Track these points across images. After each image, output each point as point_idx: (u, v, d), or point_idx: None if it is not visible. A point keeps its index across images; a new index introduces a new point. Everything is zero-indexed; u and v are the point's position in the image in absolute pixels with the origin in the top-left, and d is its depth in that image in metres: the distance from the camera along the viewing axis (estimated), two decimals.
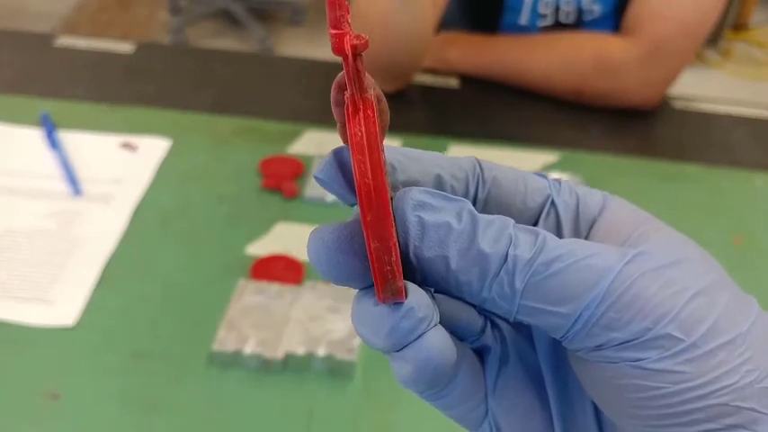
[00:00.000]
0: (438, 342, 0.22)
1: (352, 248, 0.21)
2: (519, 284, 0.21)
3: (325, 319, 0.59)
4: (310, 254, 0.22)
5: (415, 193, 0.22)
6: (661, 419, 0.21)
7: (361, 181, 0.20)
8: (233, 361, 0.56)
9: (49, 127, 0.79)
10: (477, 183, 0.24)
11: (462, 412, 0.25)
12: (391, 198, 0.22)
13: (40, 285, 0.62)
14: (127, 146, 0.79)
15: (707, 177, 0.82)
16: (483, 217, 0.22)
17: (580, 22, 0.92)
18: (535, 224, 0.25)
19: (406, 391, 0.56)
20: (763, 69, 2.60)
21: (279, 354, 0.56)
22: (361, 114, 0.20)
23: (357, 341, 0.57)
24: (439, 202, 0.22)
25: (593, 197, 0.25)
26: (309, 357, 0.56)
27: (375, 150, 0.20)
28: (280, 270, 0.64)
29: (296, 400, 0.55)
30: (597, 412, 0.24)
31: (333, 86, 0.21)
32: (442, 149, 0.81)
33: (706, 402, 0.20)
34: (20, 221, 0.68)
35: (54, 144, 0.77)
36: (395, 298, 0.21)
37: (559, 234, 0.24)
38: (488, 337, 0.26)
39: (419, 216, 0.22)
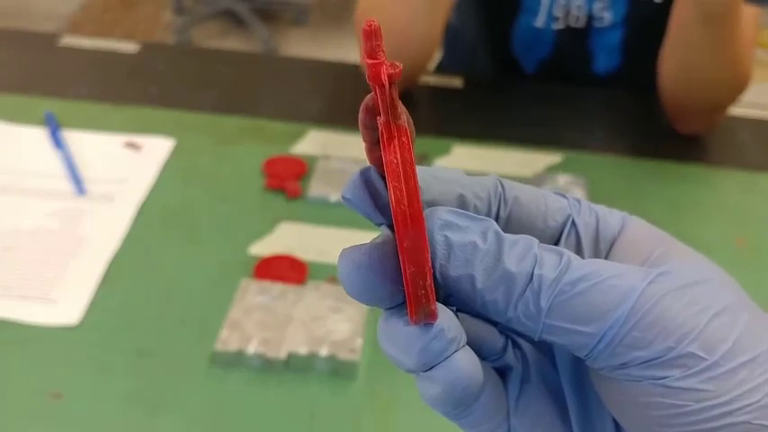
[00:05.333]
0: (466, 362, 0.22)
1: (383, 270, 0.22)
2: (544, 304, 0.21)
3: (328, 319, 0.59)
4: (341, 275, 0.22)
5: (442, 213, 0.22)
6: None
7: (398, 208, 0.20)
8: (236, 360, 0.56)
9: (54, 126, 0.80)
10: (500, 202, 0.25)
11: (485, 431, 0.25)
12: None
13: (44, 284, 0.62)
14: (131, 145, 0.79)
15: (710, 178, 0.82)
16: (508, 236, 0.22)
17: (590, 28, 0.92)
18: (556, 244, 0.25)
19: (408, 392, 0.56)
20: None
21: (281, 354, 0.56)
22: (396, 142, 0.20)
23: (360, 341, 0.57)
24: (464, 221, 0.22)
25: (612, 217, 0.25)
26: (312, 357, 0.56)
27: (411, 177, 0.20)
28: (283, 270, 0.64)
29: (298, 400, 0.55)
30: (618, 431, 0.25)
31: (361, 109, 0.22)
32: (446, 150, 0.81)
33: (729, 420, 0.20)
34: (24, 220, 0.68)
35: (58, 143, 0.77)
36: (427, 319, 0.21)
37: (580, 254, 0.25)
38: (510, 357, 0.26)
39: (445, 236, 0.22)
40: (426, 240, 0.21)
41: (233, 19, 2.79)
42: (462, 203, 0.24)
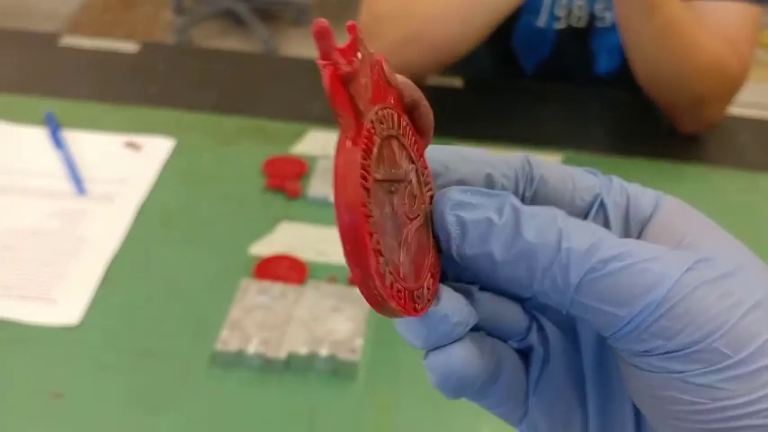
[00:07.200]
0: (462, 355, 0.22)
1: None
2: (573, 279, 0.21)
3: (328, 319, 0.59)
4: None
5: (454, 194, 0.22)
6: None
7: (338, 213, 0.20)
8: (236, 360, 0.56)
9: (54, 126, 0.79)
10: (525, 181, 0.24)
11: (504, 411, 0.25)
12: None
13: (44, 284, 0.62)
14: (131, 145, 0.79)
15: (710, 178, 0.82)
16: (527, 209, 0.21)
17: (591, 28, 0.92)
18: None
19: (408, 392, 0.56)
20: None
21: (282, 354, 0.56)
22: (346, 144, 0.20)
23: (360, 341, 0.57)
24: (478, 198, 0.22)
25: (645, 197, 0.24)
26: (312, 357, 0.56)
27: (353, 184, 0.20)
28: (283, 270, 0.64)
29: (298, 400, 0.55)
30: (637, 417, 0.24)
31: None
32: None
33: (749, 422, 0.20)
34: (24, 220, 0.68)
35: (58, 143, 0.77)
36: (394, 315, 0.21)
37: None
38: (533, 338, 0.25)
39: (457, 215, 0.22)
40: (368, 246, 0.20)
41: (233, 19, 2.79)
42: (490, 183, 0.23)
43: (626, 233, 0.24)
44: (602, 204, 0.24)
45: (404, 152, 0.23)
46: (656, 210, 0.24)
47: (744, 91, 0.85)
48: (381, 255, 0.20)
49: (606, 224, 0.24)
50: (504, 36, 0.95)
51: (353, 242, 0.20)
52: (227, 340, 0.57)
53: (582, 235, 0.21)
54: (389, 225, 0.21)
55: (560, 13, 0.91)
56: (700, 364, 0.20)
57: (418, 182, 0.23)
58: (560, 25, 0.91)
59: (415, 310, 0.22)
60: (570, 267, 0.21)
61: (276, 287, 0.61)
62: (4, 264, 0.64)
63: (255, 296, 0.60)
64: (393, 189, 0.22)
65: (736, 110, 0.91)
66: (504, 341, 0.25)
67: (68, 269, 0.64)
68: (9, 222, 0.68)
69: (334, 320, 0.58)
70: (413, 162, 0.23)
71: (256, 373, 0.56)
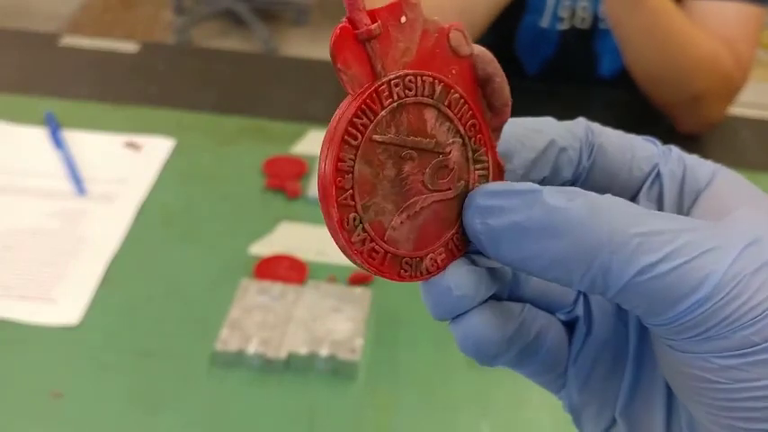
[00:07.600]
0: (479, 322, 0.22)
1: None
2: (616, 283, 0.20)
3: (328, 318, 0.59)
4: None
5: (480, 199, 0.22)
6: (722, 410, 0.21)
7: (319, 165, 0.21)
8: (236, 360, 0.56)
9: (54, 126, 0.79)
10: (586, 150, 0.24)
11: (545, 381, 0.25)
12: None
13: (44, 284, 0.62)
14: (131, 145, 0.79)
15: None
16: (562, 203, 0.20)
17: (595, 29, 0.92)
18: (637, 193, 0.24)
19: (408, 392, 0.56)
20: None
21: (281, 354, 0.56)
22: (346, 100, 0.21)
23: (360, 341, 0.57)
24: (506, 200, 0.21)
25: (702, 168, 0.24)
26: (312, 357, 0.56)
27: (334, 137, 0.20)
28: (283, 270, 0.64)
29: (298, 399, 0.55)
30: (669, 396, 0.24)
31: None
32: None
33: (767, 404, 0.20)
34: (24, 220, 0.68)
35: (58, 143, 0.77)
36: (366, 271, 0.22)
37: (661, 207, 0.24)
38: (579, 310, 0.25)
39: (486, 224, 0.21)
40: (333, 200, 0.21)
41: (233, 19, 2.79)
42: (560, 154, 0.23)
43: (680, 203, 0.24)
44: (658, 174, 0.24)
45: (446, 124, 0.22)
46: (710, 182, 0.24)
47: (744, 91, 0.85)
48: (355, 211, 0.21)
49: (661, 194, 0.24)
50: (506, 37, 0.95)
51: (322, 192, 0.21)
52: (227, 340, 0.57)
53: (626, 234, 0.20)
54: (386, 187, 0.21)
55: (564, 14, 0.91)
56: (727, 349, 0.20)
57: (465, 158, 0.23)
58: (564, 26, 0.91)
59: (399, 275, 0.22)
60: (612, 272, 0.20)
61: (276, 287, 0.61)
62: (4, 264, 0.64)
63: (255, 296, 0.60)
64: (406, 155, 0.22)
65: (736, 110, 0.91)
66: (552, 313, 0.25)
67: (68, 269, 0.64)
68: (9, 222, 0.68)
69: (334, 320, 0.58)
70: (460, 136, 0.23)
71: (256, 373, 0.56)
